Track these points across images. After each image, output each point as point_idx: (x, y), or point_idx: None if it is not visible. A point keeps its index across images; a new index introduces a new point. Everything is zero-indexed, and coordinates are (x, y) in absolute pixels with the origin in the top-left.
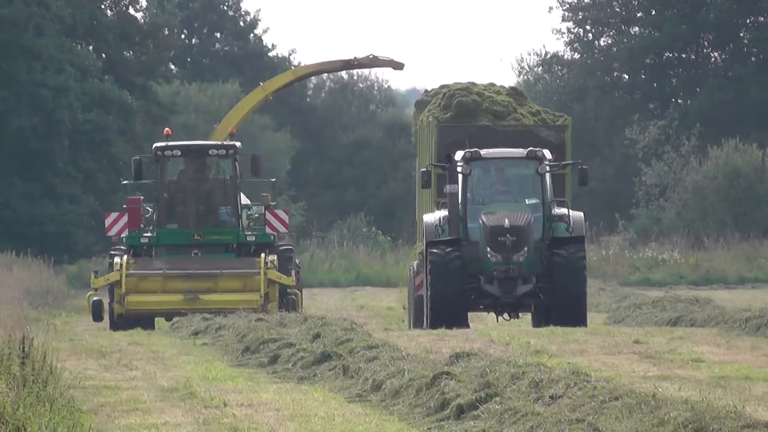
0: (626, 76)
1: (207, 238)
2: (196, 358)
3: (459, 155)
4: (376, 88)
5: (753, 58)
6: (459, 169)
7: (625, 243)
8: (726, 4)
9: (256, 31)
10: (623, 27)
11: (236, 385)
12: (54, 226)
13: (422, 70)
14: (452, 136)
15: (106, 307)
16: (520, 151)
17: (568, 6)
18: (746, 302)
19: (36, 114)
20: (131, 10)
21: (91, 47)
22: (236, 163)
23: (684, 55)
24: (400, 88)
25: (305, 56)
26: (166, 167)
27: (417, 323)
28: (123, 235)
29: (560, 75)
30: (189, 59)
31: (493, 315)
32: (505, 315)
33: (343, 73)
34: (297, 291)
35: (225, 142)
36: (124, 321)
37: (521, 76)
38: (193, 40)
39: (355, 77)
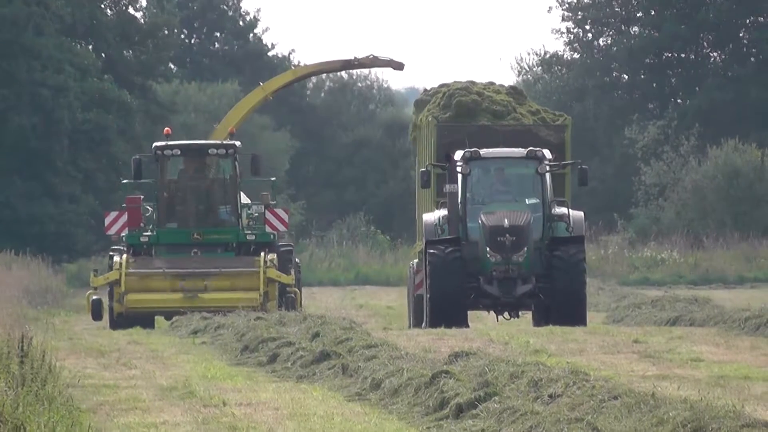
0: (626, 76)
1: (207, 237)
2: (195, 357)
3: (458, 155)
4: (375, 87)
5: (752, 58)
6: (459, 168)
7: (624, 242)
8: (725, 4)
9: (255, 31)
10: (623, 27)
11: (235, 384)
12: (53, 226)
13: (422, 69)
14: (451, 136)
15: (105, 306)
16: (520, 151)
17: (567, 6)
18: (745, 302)
19: (36, 113)
20: (131, 10)
21: (90, 47)
22: (236, 163)
23: (683, 55)
24: (399, 88)
25: (305, 56)
26: (165, 166)
27: (416, 322)
28: (123, 234)
29: (560, 75)
30: (189, 59)
31: (492, 314)
32: (505, 314)
33: (343, 73)
34: (296, 290)
35: (225, 142)
36: (123, 320)
37: (521, 76)
38: (193, 40)
39: (354, 77)
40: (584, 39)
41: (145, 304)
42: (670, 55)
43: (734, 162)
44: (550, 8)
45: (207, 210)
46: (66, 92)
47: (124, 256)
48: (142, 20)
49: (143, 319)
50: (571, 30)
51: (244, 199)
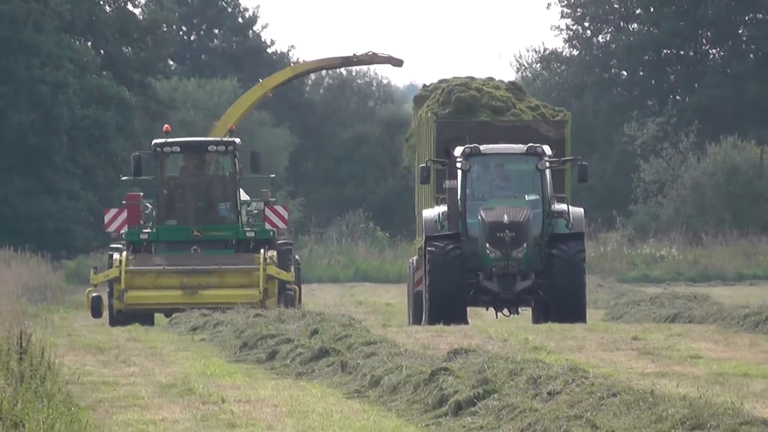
0: (625, 73)
1: (206, 234)
2: (194, 354)
3: (458, 151)
4: (374, 84)
5: (751, 55)
6: (458, 164)
7: (623, 239)
8: (724, 0)
9: (254, 28)
10: (622, 24)
11: (234, 381)
12: (52, 222)
13: (421, 66)
14: (451, 132)
15: (105, 303)
16: (520, 147)
17: (566, 2)
18: (744, 299)
19: (34, 110)
20: (130, 6)
21: (89, 43)
22: (236, 160)
23: (682, 52)
24: (398, 84)
25: (304, 52)
26: (165, 164)
27: (416, 319)
28: (122, 232)
29: (559, 72)
30: (188, 55)
31: (491, 311)
32: (505, 311)
33: (342, 70)
34: (295, 287)
35: (224, 139)
36: (123, 317)
37: (520, 73)
38: (192, 37)
39: (353, 73)
40: (583, 36)
41: (145, 301)
42: (669, 51)
43: (733, 159)
44: (549, 5)
45: (207, 207)
46: (65, 89)
47: (124, 253)
48: (141, 17)
49: (143, 316)
50: (570, 27)
51: (244, 196)
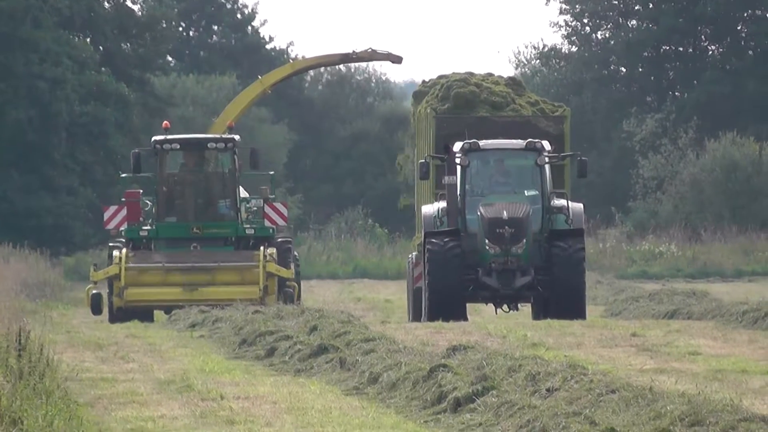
0: (624, 69)
1: (206, 232)
2: (193, 350)
3: (457, 146)
4: (373, 80)
5: (750, 52)
6: (457, 160)
7: (622, 236)
8: None
9: (253, 24)
10: (621, 20)
11: (233, 377)
12: (51, 219)
13: (420, 62)
14: (450, 128)
15: (105, 300)
16: (519, 143)
17: None
18: (743, 295)
19: (33, 106)
20: (129, 3)
21: (88, 39)
22: (235, 157)
23: (681, 49)
24: (397, 81)
25: (303, 49)
26: (165, 160)
27: (415, 315)
28: (122, 229)
29: (558, 68)
30: (187, 51)
31: (490, 307)
32: (504, 307)
33: (341, 66)
34: (295, 284)
35: (224, 136)
36: (123, 314)
37: (519, 69)
38: (191, 33)
39: (352, 70)
40: (582, 32)
41: (145, 298)
42: (668, 48)
43: (732, 155)
44: (548, 1)
45: (206, 204)
46: (63, 85)
47: (124, 250)
48: (139, 13)
49: (142, 313)
50: (569, 23)
51: (242, 193)
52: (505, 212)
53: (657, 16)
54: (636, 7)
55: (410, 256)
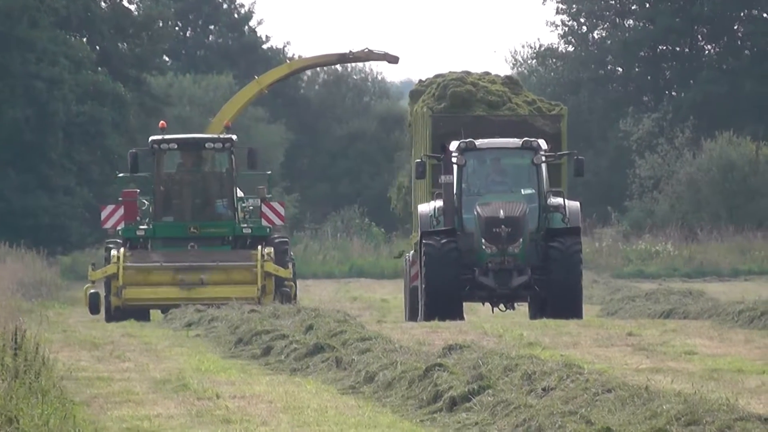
0: (620, 69)
1: (203, 231)
2: (188, 349)
3: (454, 146)
4: (370, 80)
5: (747, 51)
6: (454, 159)
7: (618, 235)
8: None
9: (250, 24)
10: (617, 20)
11: (229, 376)
12: (48, 218)
13: (417, 62)
14: (446, 127)
15: (103, 299)
16: (516, 142)
17: None
18: (739, 294)
19: (30, 106)
20: (125, 2)
21: (85, 39)
22: (232, 156)
23: (678, 48)
24: (394, 80)
25: (300, 48)
26: (162, 160)
27: (412, 314)
28: (119, 228)
29: (554, 67)
30: (183, 51)
31: (486, 307)
32: (501, 306)
33: (338, 66)
34: (292, 283)
35: (221, 136)
36: (120, 313)
37: (515, 69)
38: (188, 32)
39: (349, 69)
40: (579, 32)
41: (143, 297)
42: (664, 47)
43: (729, 155)
44: (545, 1)
45: (203, 204)
46: (60, 85)
47: (122, 249)
48: (136, 12)
49: (139, 312)
50: (566, 23)
51: (238, 192)
52: (501, 211)
53: (654, 16)
54: (633, 7)
55: (407, 254)
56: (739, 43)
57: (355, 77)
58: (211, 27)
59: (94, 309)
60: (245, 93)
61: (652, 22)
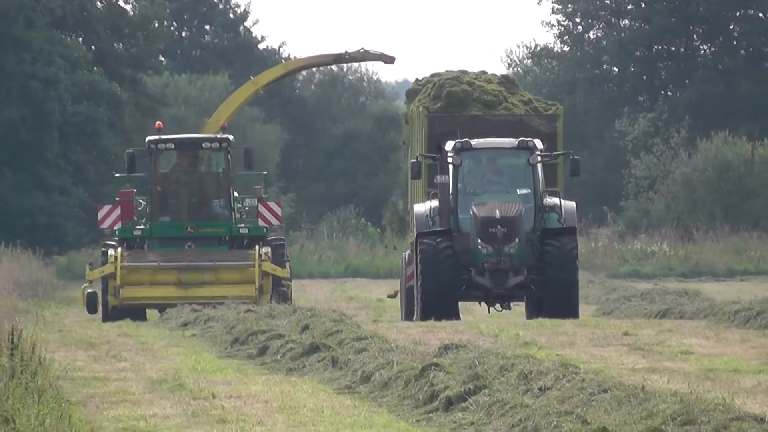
0: (616, 69)
1: (200, 231)
2: (184, 349)
3: (449, 145)
4: (365, 80)
5: (742, 51)
6: (449, 159)
7: (614, 235)
8: None
9: (246, 24)
10: (613, 20)
11: (225, 376)
12: (44, 218)
13: (412, 62)
14: (442, 126)
15: (100, 299)
16: (511, 141)
17: None
18: (735, 294)
19: (26, 105)
20: (121, 2)
21: (81, 39)
22: (229, 156)
23: (673, 48)
24: (390, 80)
25: (295, 48)
26: (159, 160)
27: (408, 314)
28: (116, 228)
29: (550, 67)
30: (179, 51)
31: (482, 306)
32: (497, 306)
33: (333, 66)
34: (290, 283)
35: (218, 136)
36: (118, 313)
37: (511, 69)
38: (183, 33)
39: (344, 69)
40: (574, 32)
41: (141, 297)
42: (660, 47)
43: (724, 155)
44: (540, 1)
45: (200, 204)
46: (56, 84)
47: (119, 249)
48: (132, 13)
49: (135, 312)
50: (561, 22)
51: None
52: (497, 211)
53: (649, 16)
54: (628, 7)
55: (403, 254)
56: (734, 43)
57: (350, 77)
58: (207, 27)
59: (91, 309)
60: (241, 93)
61: (647, 22)
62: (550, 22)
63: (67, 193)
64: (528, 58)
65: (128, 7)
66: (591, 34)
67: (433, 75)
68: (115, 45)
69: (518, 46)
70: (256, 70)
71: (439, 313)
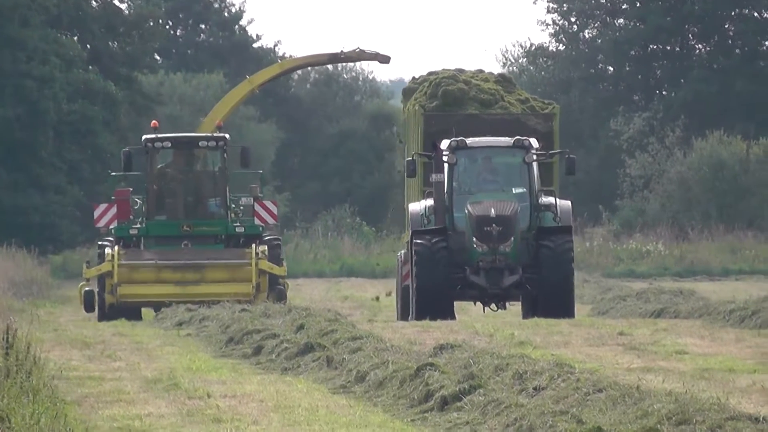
0: (611, 68)
1: (196, 230)
2: (179, 349)
3: (445, 144)
4: (360, 79)
5: (737, 50)
6: (445, 158)
7: (609, 234)
8: None
9: (241, 22)
10: (608, 19)
11: (220, 376)
12: (39, 217)
13: (408, 61)
14: (438, 125)
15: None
16: (507, 140)
17: None
18: (730, 294)
19: (21, 104)
20: (116, 1)
21: (76, 38)
22: (225, 155)
23: (669, 47)
24: (385, 80)
25: (290, 47)
26: (155, 159)
27: (404, 313)
28: (112, 227)
29: (545, 66)
30: (174, 50)
31: (478, 306)
32: (493, 306)
33: (328, 65)
34: (287, 281)
35: (215, 134)
36: (115, 311)
37: (506, 68)
38: (178, 31)
39: (339, 68)
40: (570, 31)
41: (138, 295)
42: (655, 47)
43: (719, 154)
44: (536, 0)
45: (196, 202)
46: (51, 83)
47: (116, 247)
48: (127, 11)
49: (132, 310)
50: (557, 22)
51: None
52: (492, 210)
53: (644, 15)
54: (623, 6)
55: (399, 253)
56: (729, 42)
57: (345, 76)
58: (202, 26)
59: (89, 307)
60: (237, 93)
61: (642, 21)
62: (545, 21)
63: (62, 191)
64: (523, 57)
65: (123, 6)
66: (586, 33)
67: (430, 73)
68: (110, 44)
69: (513, 45)
70: (251, 68)
71: (434, 312)
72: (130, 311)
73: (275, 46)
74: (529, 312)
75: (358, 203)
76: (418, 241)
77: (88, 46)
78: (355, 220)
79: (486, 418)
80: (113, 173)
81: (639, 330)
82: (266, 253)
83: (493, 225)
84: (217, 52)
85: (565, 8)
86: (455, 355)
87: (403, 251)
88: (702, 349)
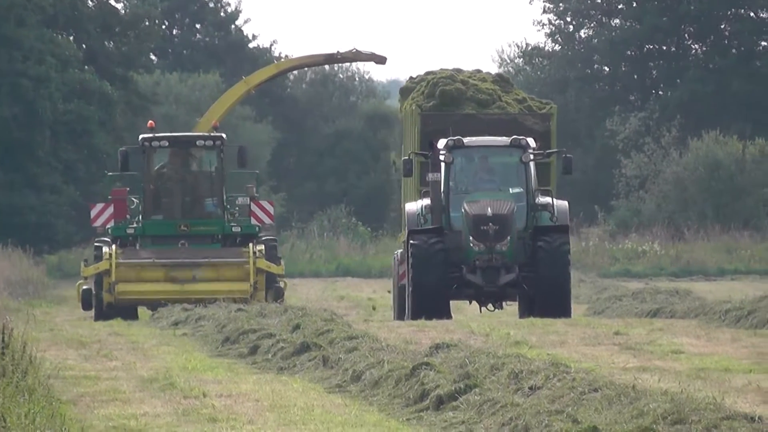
0: (607, 68)
1: (193, 229)
2: (175, 348)
3: (441, 143)
4: (356, 79)
5: (734, 50)
6: (441, 157)
7: (605, 234)
8: None
9: (236, 22)
10: (604, 19)
11: (216, 375)
12: (35, 216)
13: (404, 61)
14: (435, 125)
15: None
16: (504, 140)
17: None
18: (726, 294)
19: (16, 104)
20: (112, 1)
21: (71, 37)
22: (222, 155)
23: (665, 47)
24: (381, 80)
25: (286, 47)
26: (152, 158)
27: (400, 313)
28: (108, 226)
29: (541, 66)
30: (170, 50)
31: (473, 306)
32: (489, 306)
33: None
34: (285, 280)
35: (212, 134)
36: (112, 310)
37: (502, 68)
38: (174, 31)
39: (336, 68)
40: (566, 31)
41: (135, 293)
42: (651, 47)
43: (715, 154)
44: (532, 0)
45: (193, 202)
46: (47, 83)
47: (113, 246)
48: (123, 11)
49: (129, 309)
50: (553, 22)
51: None
52: (489, 209)
53: (640, 15)
54: (619, 6)
55: (396, 253)
56: (725, 42)
57: (341, 76)
58: (198, 26)
59: (86, 305)
60: (233, 93)
61: (638, 21)
62: (541, 21)
63: (57, 191)
64: (519, 57)
65: (119, 6)
66: (582, 33)
67: (428, 73)
68: (106, 43)
69: (509, 45)
70: (247, 68)
71: (430, 312)
72: (127, 311)
73: (271, 46)
74: (526, 311)
75: (354, 203)
76: (414, 241)
77: (84, 45)
78: (350, 220)
79: (481, 417)
80: (110, 173)
81: (635, 330)
82: (263, 251)
83: (490, 224)
84: (213, 52)
85: (561, 8)
86: (451, 354)
87: (399, 251)
88: (698, 348)
